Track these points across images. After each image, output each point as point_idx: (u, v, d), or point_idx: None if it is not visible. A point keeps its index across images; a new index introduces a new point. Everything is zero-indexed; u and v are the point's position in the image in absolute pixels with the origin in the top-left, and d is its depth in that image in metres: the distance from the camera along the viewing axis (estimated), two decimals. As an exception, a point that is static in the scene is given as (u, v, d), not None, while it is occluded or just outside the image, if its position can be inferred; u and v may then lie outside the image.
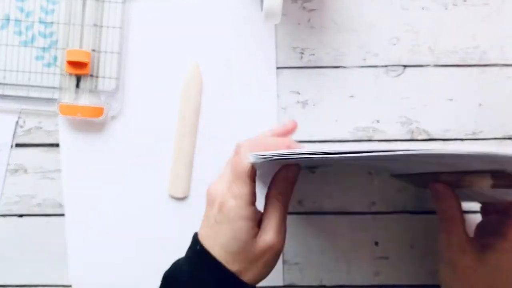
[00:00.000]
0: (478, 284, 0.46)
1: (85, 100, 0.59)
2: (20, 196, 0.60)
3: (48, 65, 0.59)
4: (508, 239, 0.47)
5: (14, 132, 0.60)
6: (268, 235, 0.47)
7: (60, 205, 0.60)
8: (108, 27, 0.59)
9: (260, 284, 0.60)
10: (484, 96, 0.60)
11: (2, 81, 0.59)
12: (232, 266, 0.46)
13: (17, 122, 0.60)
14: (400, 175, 0.55)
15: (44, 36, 0.59)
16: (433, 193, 0.49)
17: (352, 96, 0.60)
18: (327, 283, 0.60)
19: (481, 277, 0.46)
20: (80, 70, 0.58)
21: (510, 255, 0.47)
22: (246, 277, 0.47)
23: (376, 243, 0.60)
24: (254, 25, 0.60)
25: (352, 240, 0.60)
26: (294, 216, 0.60)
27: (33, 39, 0.59)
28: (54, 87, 0.59)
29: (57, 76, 0.59)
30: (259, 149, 0.48)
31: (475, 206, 0.57)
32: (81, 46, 0.59)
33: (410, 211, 0.60)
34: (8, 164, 0.60)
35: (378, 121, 0.60)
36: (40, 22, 0.59)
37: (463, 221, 0.48)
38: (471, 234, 0.51)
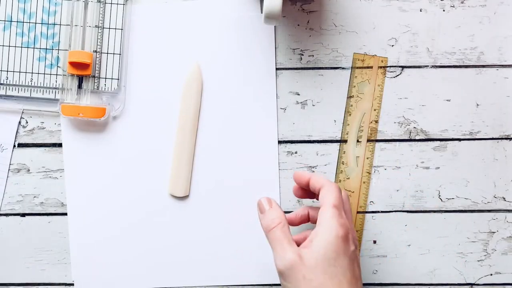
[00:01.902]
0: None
1: (87, 100, 0.59)
2: (23, 195, 0.61)
3: (50, 66, 0.60)
4: (320, 224, 0.48)
5: (17, 132, 0.61)
6: None
7: (63, 204, 0.61)
8: (109, 28, 0.60)
9: (260, 282, 0.61)
10: (481, 96, 0.61)
11: (5, 82, 0.60)
12: None
13: (19, 122, 0.61)
14: None
15: (46, 38, 0.60)
16: (259, 210, 0.52)
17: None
18: (326, 281, 0.61)
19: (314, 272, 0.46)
20: (82, 71, 0.59)
21: (325, 236, 0.47)
22: None
23: (375, 242, 0.61)
24: (254, 26, 0.60)
25: (351, 239, 0.61)
26: (294, 215, 0.61)
27: (35, 40, 0.60)
28: (56, 88, 0.60)
29: (59, 77, 0.60)
30: None
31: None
32: (83, 47, 0.59)
33: (407, 210, 0.61)
34: (11, 164, 0.61)
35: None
36: (42, 23, 0.60)
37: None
38: None
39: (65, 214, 0.61)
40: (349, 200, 0.54)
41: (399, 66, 0.61)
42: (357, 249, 0.49)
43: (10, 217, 0.61)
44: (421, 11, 0.60)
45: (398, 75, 0.61)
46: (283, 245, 0.48)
